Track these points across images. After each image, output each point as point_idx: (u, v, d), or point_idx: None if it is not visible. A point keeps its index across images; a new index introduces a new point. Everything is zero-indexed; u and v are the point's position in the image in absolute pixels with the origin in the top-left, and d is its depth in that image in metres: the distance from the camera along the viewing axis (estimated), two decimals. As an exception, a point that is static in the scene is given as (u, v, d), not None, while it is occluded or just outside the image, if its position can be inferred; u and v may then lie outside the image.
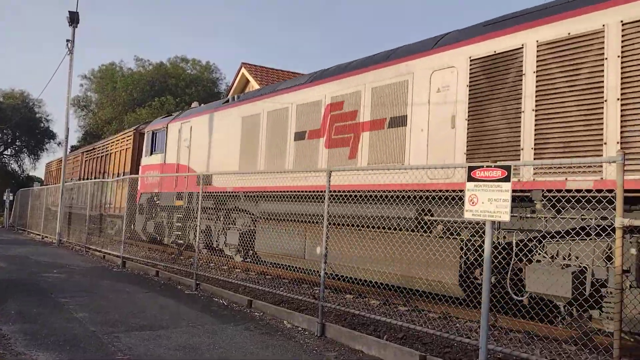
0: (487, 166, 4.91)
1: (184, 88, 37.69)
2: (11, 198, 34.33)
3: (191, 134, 14.55)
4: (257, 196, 11.36)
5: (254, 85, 22.49)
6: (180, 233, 14.45)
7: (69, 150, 24.56)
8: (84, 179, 24.67)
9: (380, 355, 5.69)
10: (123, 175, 18.84)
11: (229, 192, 11.97)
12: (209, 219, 13.32)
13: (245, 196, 11.77)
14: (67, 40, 19.77)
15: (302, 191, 9.75)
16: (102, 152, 23.43)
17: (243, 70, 23.97)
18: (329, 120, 9.81)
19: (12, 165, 49.68)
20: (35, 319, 6.69)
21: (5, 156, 49.24)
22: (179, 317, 7.27)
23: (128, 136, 20.37)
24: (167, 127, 15.97)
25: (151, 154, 16.77)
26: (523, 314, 6.21)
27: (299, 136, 10.50)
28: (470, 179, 4.99)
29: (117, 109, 37.18)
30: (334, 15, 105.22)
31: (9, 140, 48.61)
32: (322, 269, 7.03)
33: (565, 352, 5.65)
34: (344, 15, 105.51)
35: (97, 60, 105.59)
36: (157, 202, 15.84)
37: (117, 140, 21.75)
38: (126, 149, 20.18)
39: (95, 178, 22.84)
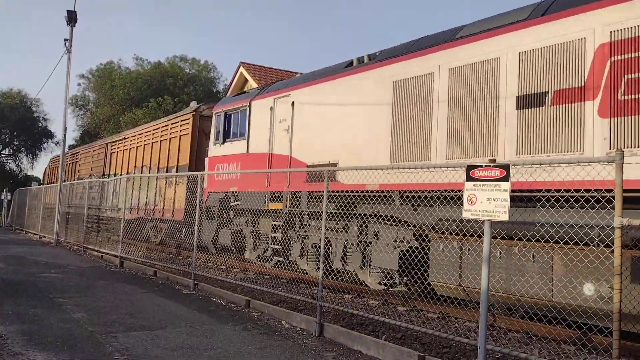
0: (485, 165, 4.89)
1: (182, 87, 37.68)
2: (9, 198, 34.29)
3: (293, 112, 11.04)
4: (430, 198, 7.75)
5: (252, 84, 22.42)
6: (279, 247, 10.98)
7: (66, 149, 24.29)
8: (108, 176, 21.14)
9: (379, 356, 5.68)
10: (177, 169, 15.89)
11: (371, 193, 8.54)
12: (327, 229, 9.44)
13: (401, 198, 8.33)
14: (65, 40, 19.76)
15: (546, 190, 5.42)
16: (139, 142, 19.27)
17: (242, 69, 23.94)
18: (609, 71, 6.26)
19: (10, 165, 49.76)
20: (33, 319, 6.67)
21: (3, 156, 49.29)
22: (176, 317, 7.25)
23: (184, 120, 16.45)
24: (249, 106, 12.53)
25: (224, 141, 13.35)
26: (522, 313, 6.16)
27: (529, 101, 7.01)
28: (469, 178, 4.97)
29: (115, 107, 37.19)
30: (333, 15, 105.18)
31: (7, 140, 48.60)
32: (321, 269, 7.01)
33: (564, 352, 5.64)
34: (344, 15, 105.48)
35: (95, 61, 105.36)
36: (237, 204, 12.41)
37: (164, 126, 17.86)
38: (180, 135, 16.39)
39: (127, 173, 19.26)
